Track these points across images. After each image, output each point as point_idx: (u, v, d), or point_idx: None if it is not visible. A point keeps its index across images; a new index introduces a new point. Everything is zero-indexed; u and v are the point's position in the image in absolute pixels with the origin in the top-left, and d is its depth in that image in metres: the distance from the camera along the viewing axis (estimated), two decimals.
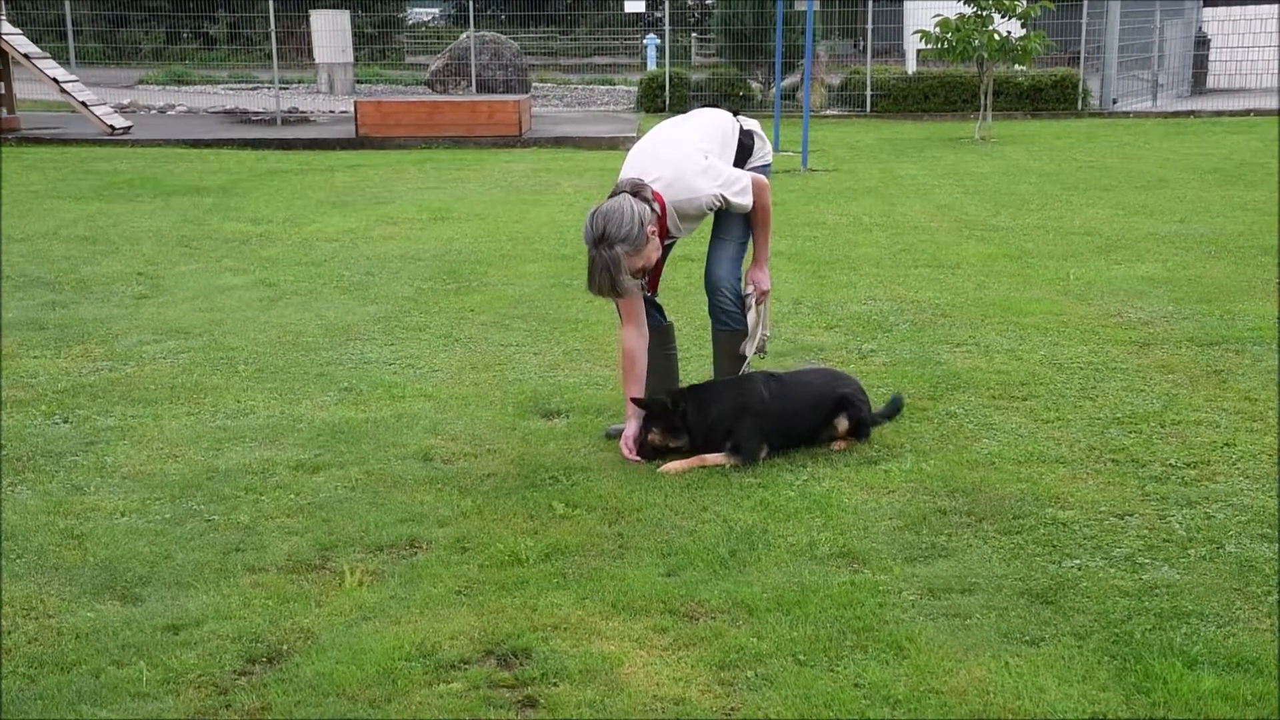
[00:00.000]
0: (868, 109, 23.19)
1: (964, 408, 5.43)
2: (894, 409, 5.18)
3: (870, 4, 24.02)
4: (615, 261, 4.57)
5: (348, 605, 3.63)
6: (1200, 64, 25.88)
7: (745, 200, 4.88)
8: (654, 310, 5.16)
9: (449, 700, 3.12)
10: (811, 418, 4.89)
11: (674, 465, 4.71)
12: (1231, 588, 3.67)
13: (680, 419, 4.80)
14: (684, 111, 5.48)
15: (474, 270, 8.67)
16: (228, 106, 24.12)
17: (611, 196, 4.70)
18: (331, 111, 22.95)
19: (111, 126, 18.27)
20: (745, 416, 4.76)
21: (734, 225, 5.07)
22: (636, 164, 4.89)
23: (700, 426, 4.79)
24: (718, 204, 4.87)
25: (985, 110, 18.52)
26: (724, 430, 4.76)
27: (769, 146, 5.26)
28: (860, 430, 4.93)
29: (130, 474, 4.73)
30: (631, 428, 4.88)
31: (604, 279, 4.61)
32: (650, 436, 4.83)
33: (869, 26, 24.31)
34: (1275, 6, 23.65)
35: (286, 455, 4.91)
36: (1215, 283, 7.94)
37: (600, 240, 4.58)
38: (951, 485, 4.52)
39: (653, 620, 3.52)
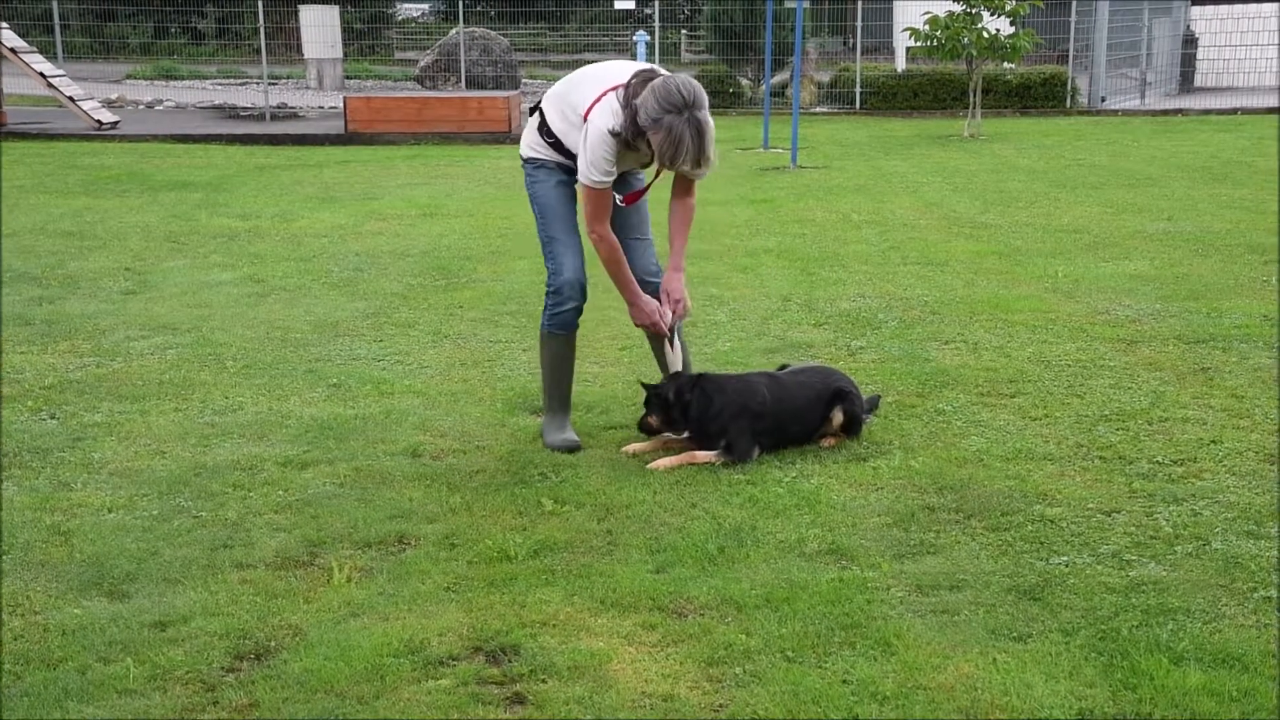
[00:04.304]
0: (857, 106, 23.22)
1: (952, 405, 5.44)
2: (873, 404, 5.22)
3: (860, 1, 24.04)
4: (708, 125, 4.43)
5: (336, 602, 3.62)
6: (1188, 62, 25.96)
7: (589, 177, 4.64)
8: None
9: (437, 696, 3.12)
10: (808, 419, 4.90)
11: (663, 462, 4.71)
12: (1218, 584, 3.69)
13: (681, 412, 4.80)
14: None
15: (463, 266, 8.66)
16: (216, 102, 24.06)
17: (632, 87, 4.48)
18: (320, 107, 22.91)
19: (99, 121, 18.20)
20: (743, 417, 4.76)
21: (645, 222, 5.02)
22: (607, 77, 4.65)
23: (697, 419, 4.80)
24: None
25: (974, 108, 18.55)
26: (719, 427, 4.77)
27: None
28: (853, 426, 4.94)
29: (117, 470, 4.71)
30: (650, 304, 4.84)
31: (696, 146, 4.40)
32: (649, 419, 4.87)
33: (858, 24, 24.33)
34: (1263, 5, 23.73)
35: (275, 451, 4.90)
36: (1203, 280, 7.96)
37: (692, 104, 4.39)
38: (940, 482, 4.53)
39: (641, 617, 3.52)
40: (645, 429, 4.94)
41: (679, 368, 5.03)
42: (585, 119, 4.60)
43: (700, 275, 8.30)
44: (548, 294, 4.94)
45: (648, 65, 4.67)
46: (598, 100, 4.60)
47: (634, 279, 4.85)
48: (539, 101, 4.93)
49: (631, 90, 4.53)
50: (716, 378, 4.93)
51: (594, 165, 4.57)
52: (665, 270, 4.97)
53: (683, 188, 4.92)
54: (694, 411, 4.78)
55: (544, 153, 4.89)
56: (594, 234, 4.73)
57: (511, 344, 6.55)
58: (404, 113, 18.18)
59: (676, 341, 5.04)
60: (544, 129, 4.86)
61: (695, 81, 4.49)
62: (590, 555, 3.94)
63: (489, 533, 4.10)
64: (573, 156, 4.79)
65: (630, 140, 4.55)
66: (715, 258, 8.94)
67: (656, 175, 4.86)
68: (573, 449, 4.87)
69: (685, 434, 4.85)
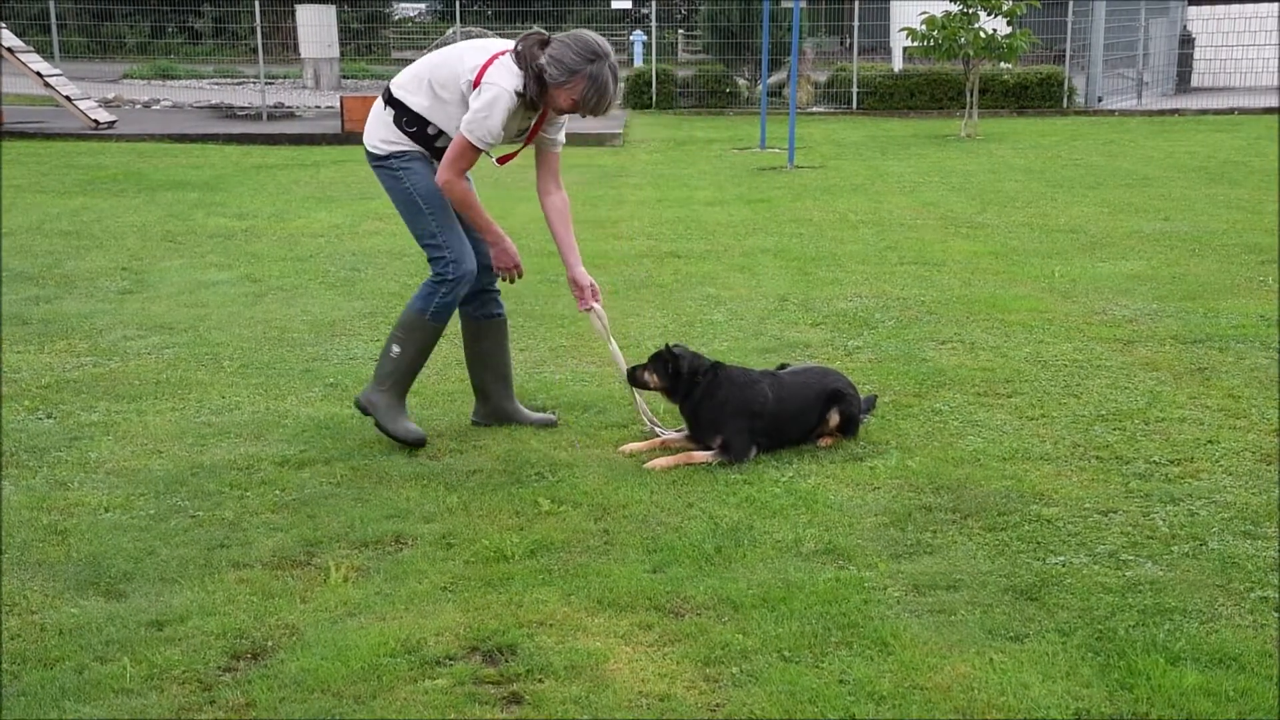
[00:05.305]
0: (854, 106, 23.22)
1: (949, 405, 5.44)
2: (870, 404, 5.23)
3: (857, 1, 24.05)
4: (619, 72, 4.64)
5: (333, 601, 3.62)
6: (1185, 62, 25.99)
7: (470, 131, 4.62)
8: (494, 301, 5.13)
9: (434, 696, 3.11)
10: (806, 420, 4.90)
11: (660, 462, 4.71)
12: (1214, 584, 3.69)
13: (687, 390, 4.83)
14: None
15: None
16: (213, 101, 24.05)
17: (524, 51, 4.58)
18: (317, 107, 22.89)
19: (96, 121, 18.19)
20: (742, 416, 4.76)
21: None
22: (485, 47, 4.71)
23: (696, 405, 4.82)
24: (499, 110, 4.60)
25: (971, 108, 18.56)
26: (714, 421, 4.77)
27: None
28: (850, 426, 4.94)
29: (114, 470, 4.71)
30: (513, 246, 4.89)
31: (614, 90, 4.60)
32: (647, 374, 4.93)
33: (855, 24, 24.34)
34: (1260, 5, 23.75)
35: (271, 451, 4.90)
36: (1199, 280, 7.97)
37: (608, 53, 4.57)
38: (937, 482, 4.53)
39: (638, 616, 3.52)
40: (634, 380, 4.99)
41: (621, 361, 5.11)
42: (477, 84, 4.57)
43: (697, 275, 8.31)
44: (442, 283, 4.85)
45: (516, 38, 4.70)
46: (489, 63, 4.61)
47: (490, 220, 4.84)
48: (387, 95, 4.82)
49: (528, 54, 4.59)
50: (729, 370, 4.93)
51: (489, 126, 4.56)
52: (568, 269, 4.99)
53: (551, 180, 4.96)
54: (698, 394, 4.80)
55: (407, 144, 4.79)
56: (445, 180, 4.68)
57: None
58: None
59: (612, 342, 5.11)
60: (400, 119, 4.76)
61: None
62: (587, 555, 3.94)
63: (486, 532, 4.10)
64: (431, 142, 4.77)
65: (535, 99, 4.60)
66: (712, 257, 8.95)
67: (526, 142, 4.88)
68: (422, 442, 4.88)
69: (678, 419, 4.89)
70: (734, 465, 4.69)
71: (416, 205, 4.83)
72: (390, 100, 4.80)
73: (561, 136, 4.96)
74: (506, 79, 4.56)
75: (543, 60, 4.54)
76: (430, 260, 4.88)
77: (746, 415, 4.76)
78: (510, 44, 4.68)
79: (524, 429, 5.15)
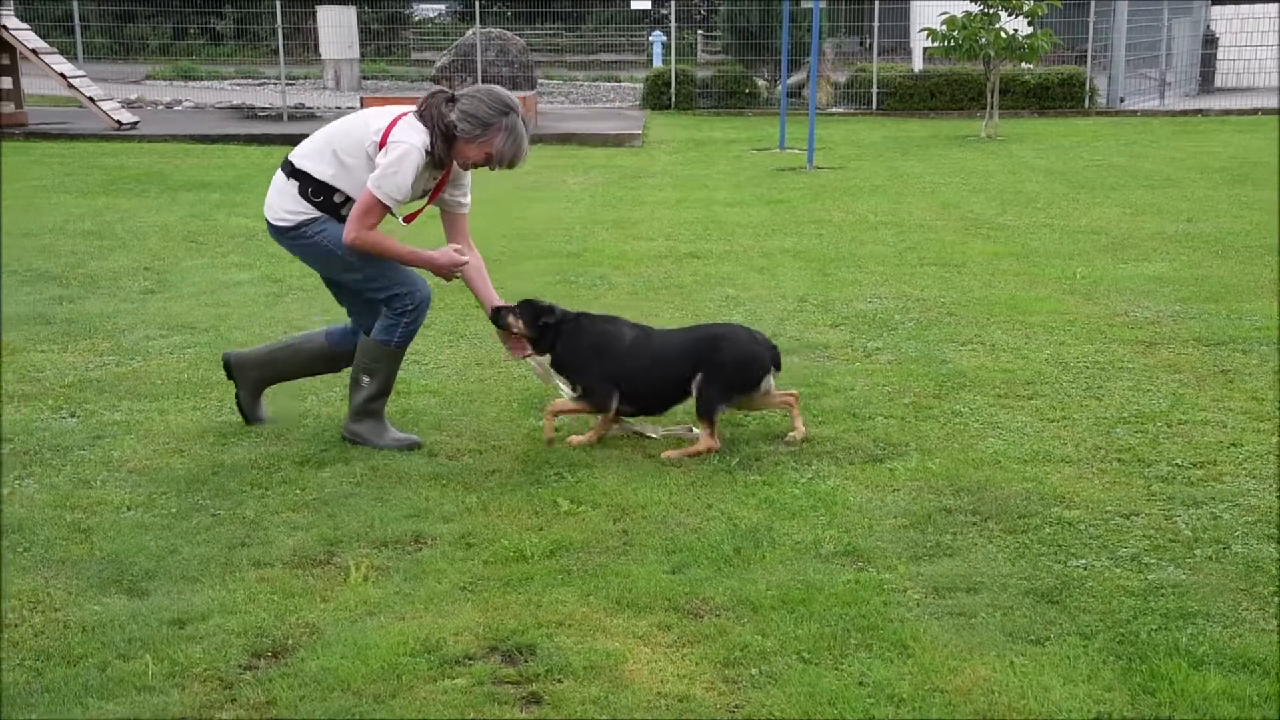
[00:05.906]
0: (874, 107, 23.16)
1: (969, 406, 5.42)
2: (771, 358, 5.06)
3: (876, 1, 23.99)
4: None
5: (352, 600, 3.63)
6: (1208, 62, 25.83)
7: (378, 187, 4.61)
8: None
9: (453, 696, 3.12)
10: (666, 371, 4.89)
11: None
12: (1238, 588, 3.67)
13: (551, 339, 4.89)
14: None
15: None
16: (234, 102, 24.14)
17: (429, 110, 4.63)
18: (338, 107, 22.92)
19: (118, 122, 18.28)
20: (597, 360, 4.86)
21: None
22: (384, 111, 4.76)
23: (558, 357, 4.91)
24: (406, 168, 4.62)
25: (992, 108, 18.49)
26: (573, 367, 4.88)
27: None
28: (703, 405, 4.82)
29: (136, 468, 4.74)
30: (443, 253, 4.86)
31: (528, 142, 4.69)
32: (511, 319, 4.94)
33: (875, 24, 24.28)
34: None
35: (292, 450, 4.92)
36: (1222, 282, 7.92)
37: (518, 107, 4.67)
38: (957, 484, 4.51)
39: (657, 617, 3.52)
40: (498, 322, 4.96)
41: (554, 379, 5.08)
42: (384, 144, 4.59)
43: (716, 275, 8.30)
44: (405, 312, 4.85)
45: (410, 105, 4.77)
46: (394, 123, 4.64)
47: (410, 248, 4.83)
48: (289, 167, 4.79)
49: (435, 111, 4.63)
50: (591, 317, 5.01)
51: (398, 182, 4.58)
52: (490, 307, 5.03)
53: (463, 243, 4.98)
54: (560, 345, 4.88)
55: (315, 212, 4.77)
56: (352, 237, 4.65)
57: None
58: None
59: (555, 378, 5.08)
60: (306, 189, 4.74)
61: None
62: (606, 555, 3.94)
63: (505, 532, 4.10)
64: (337, 210, 4.76)
65: (442, 156, 4.65)
66: (731, 258, 8.94)
67: (430, 200, 4.90)
68: (416, 445, 4.91)
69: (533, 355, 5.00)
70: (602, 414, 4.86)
71: (342, 260, 4.82)
72: (293, 172, 4.78)
73: (467, 199, 4.98)
74: (414, 136, 4.59)
75: (453, 117, 4.60)
76: (383, 303, 4.89)
77: (602, 358, 4.85)
78: (411, 107, 4.72)
79: (543, 429, 5.15)
